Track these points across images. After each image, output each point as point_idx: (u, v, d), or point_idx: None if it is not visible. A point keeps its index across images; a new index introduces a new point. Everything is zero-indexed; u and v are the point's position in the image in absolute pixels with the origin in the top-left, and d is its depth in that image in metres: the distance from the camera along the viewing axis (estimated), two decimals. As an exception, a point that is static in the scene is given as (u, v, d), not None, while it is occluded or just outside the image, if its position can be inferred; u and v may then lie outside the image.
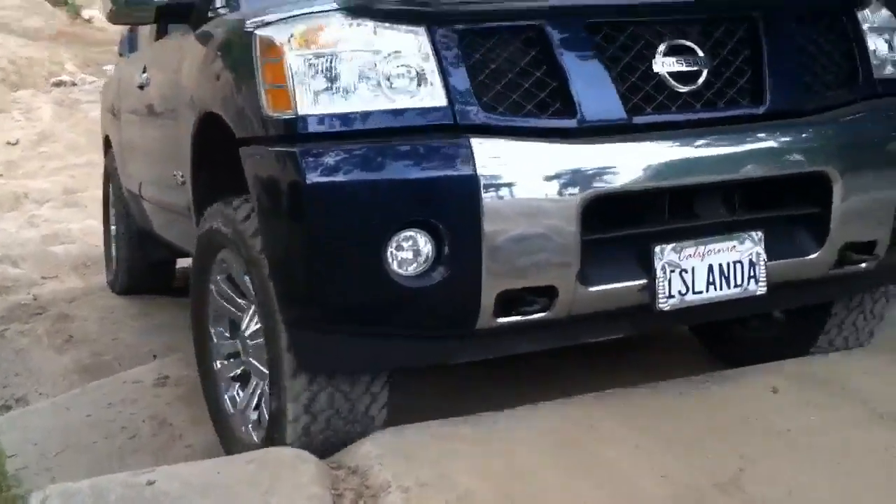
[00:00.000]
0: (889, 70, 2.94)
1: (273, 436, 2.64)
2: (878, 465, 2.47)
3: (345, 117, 2.34)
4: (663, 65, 2.54)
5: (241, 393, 2.98)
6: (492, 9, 2.50)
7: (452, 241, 2.31)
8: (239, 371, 3.00)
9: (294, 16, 2.47)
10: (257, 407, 2.85)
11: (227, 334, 3.07)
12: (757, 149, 2.59)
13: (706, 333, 3.62)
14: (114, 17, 3.51)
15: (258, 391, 2.85)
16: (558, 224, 2.36)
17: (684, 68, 2.56)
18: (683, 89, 2.56)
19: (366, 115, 2.35)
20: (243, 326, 2.89)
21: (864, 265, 2.78)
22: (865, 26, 2.92)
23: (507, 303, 2.39)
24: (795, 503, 2.28)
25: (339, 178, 2.28)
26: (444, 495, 2.26)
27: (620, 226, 2.53)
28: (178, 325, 5.23)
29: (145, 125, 4.48)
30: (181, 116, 3.41)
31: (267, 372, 2.69)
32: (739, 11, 2.69)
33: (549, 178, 2.35)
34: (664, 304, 2.51)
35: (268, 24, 2.51)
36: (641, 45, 2.54)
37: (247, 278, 2.76)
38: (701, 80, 2.57)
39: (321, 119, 2.34)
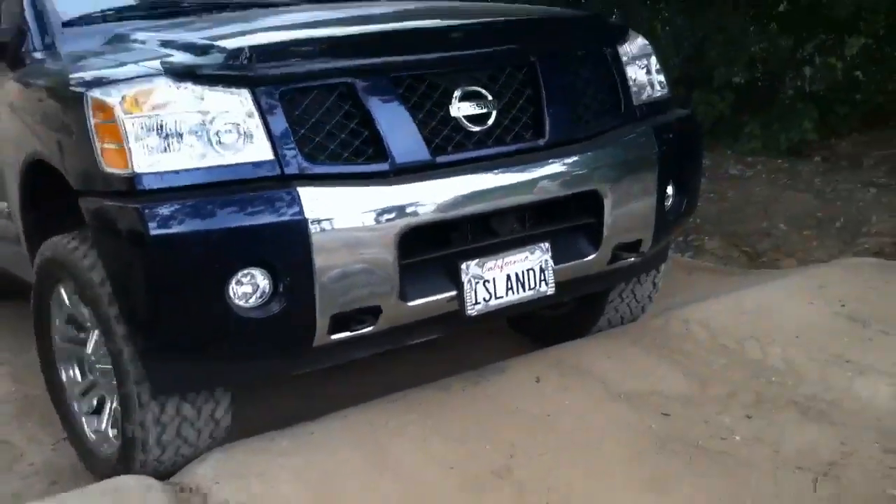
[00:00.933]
0: (646, 95, 3.48)
1: (127, 452, 2.97)
2: (617, 438, 3.09)
3: (179, 173, 2.60)
4: (459, 109, 2.94)
5: (97, 421, 3.28)
6: (305, 70, 2.77)
7: (288, 276, 2.64)
8: (95, 402, 3.29)
9: (123, 79, 2.71)
10: (115, 424, 3.14)
11: (79, 376, 3.37)
12: (541, 175, 3.03)
13: (512, 318, 4.17)
14: None
15: (113, 409, 3.15)
16: (379, 254, 2.74)
17: (477, 111, 2.97)
18: (476, 129, 2.97)
19: (199, 171, 2.62)
20: (89, 351, 3.18)
21: (631, 260, 3.34)
22: (624, 58, 3.43)
23: (339, 323, 2.76)
24: (553, 479, 2.86)
25: (181, 228, 2.53)
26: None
27: (432, 249, 2.92)
28: (-5, 333, 5.42)
29: None
30: (5, 154, 3.58)
31: (115, 389, 2.99)
32: (519, 59, 3.11)
33: (368, 216, 2.71)
34: (472, 311, 2.96)
35: (98, 84, 2.74)
36: (439, 94, 2.92)
37: (85, 311, 3.06)
38: (491, 120, 3.00)
39: (157, 176, 2.59)
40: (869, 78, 7.94)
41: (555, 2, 8.68)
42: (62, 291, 3.23)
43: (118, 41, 3.31)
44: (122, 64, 2.88)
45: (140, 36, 3.26)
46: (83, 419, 3.35)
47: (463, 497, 2.79)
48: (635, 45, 3.54)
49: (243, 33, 3.07)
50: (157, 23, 3.55)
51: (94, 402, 3.31)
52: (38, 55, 3.52)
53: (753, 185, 6.33)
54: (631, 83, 3.43)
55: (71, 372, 3.41)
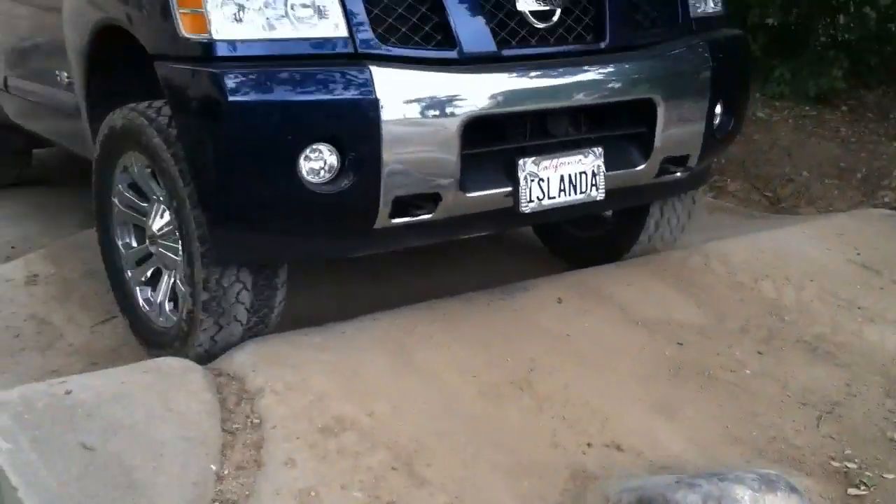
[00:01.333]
0: (701, 8, 3.51)
1: (185, 328, 3.11)
2: (632, 361, 3.25)
3: (256, 42, 2.69)
4: (525, 3, 2.99)
5: (153, 292, 3.40)
6: None
7: (357, 153, 2.72)
8: (150, 273, 3.40)
9: None
10: (171, 298, 3.28)
11: (135, 243, 3.46)
12: (599, 78, 3.10)
13: (548, 237, 4.35)
14: None
15: (170, 282, 3.27)
16: (443, 141, 2.81)
17: (542, 7, 3.02)
18: (541, 25, 3.02)
19: (276, 42, 2.70)
20: (151, 223, 3.26)
21: (678, 174, 3.42)
22: None
23: (401, 206, 2.85)
24: (569, 394, 3.02)
25: (258, 96, 2.61)
26: (306, 396, 2.88)
27: (492, 142, 2.99)
28: (31, 214, 5.60)
29: (14, 18, 4.61)
30: (71, 23, 3.61)
31: (178, 260, 3.11)
32: None
33: (435, 101, 2.78)
34: (525, 208, 3.05)
35: None
36: None
37: (152, 183, 3.16)
38: (555, 18, 3.05)
39: (234, 44, 2.67)
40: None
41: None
42: (131, 160, 3.29)
43: None
44: None
45: None
46: (137, 288, 3.46)
47: (482, 402, 2.96)
48: None
49: None
50: None
51: (149, 273, 3.41)
52: None
53: (779, 129, 6.39)
54: None
55: (127, 239, 3.50)
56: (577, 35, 3.13)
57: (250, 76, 2.63)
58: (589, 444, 2.83)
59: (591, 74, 3.09)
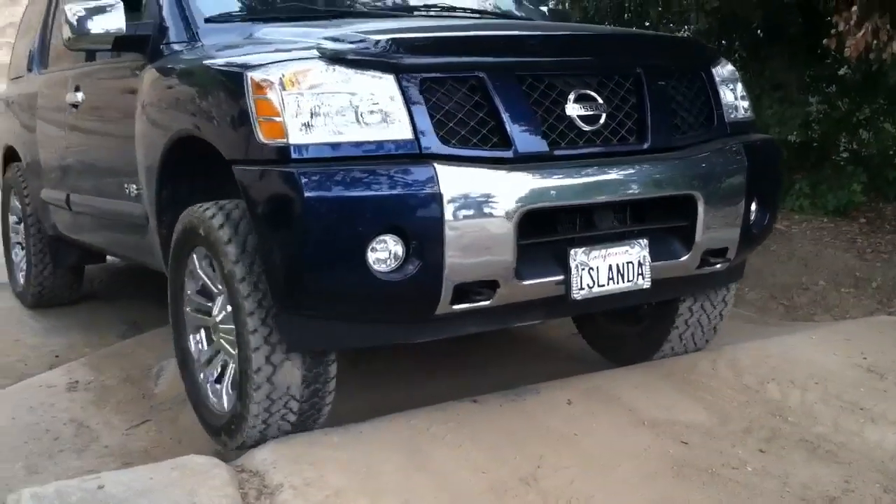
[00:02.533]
0: (734, 115, 3.80)
1: (240, 414, 3.33)
2: (637, 460, 3.38)
3: (329, 146, 2.96)
4: (573, 109, 3.27)
5: (218, 385, 3.60)
6: (442, 62, 3.17)
7: (422, 244, 2.95)
8: (218, 370, 3.61)
9: (280, 61, 3.09)
10: (234, 387, 3.46)
11: (204, 345, 3.69)
12: (643, 176, 3.35)
13: (587, 331, 4.57)
14: (72, 44, 4.00)
15: (232, 374, 3.47)
16: (501, 232, 3.04)
17: (588, 112, 3.29)
18: (588, 128, 3.29)
19: (347, 145, 2.97)
20: (215, 313, 3.50)
21: (718, 266, 3.63)
22: (717, 80, 3.76)
23: (461, 293, 3.06)
24: (574, 490, 3.15)
25: (332, 193, 2.87)
26: (323, 491, 3.05)
27: (546, 233, 3.22)
28: (75, 326, 5.88)
29: (81, 142, 4.99)
30: (145, 138, 3.95)
31: (234, 352, 3.34)
32: (626, 68, 3.45)
33: (494, 196, 3.02)
34: (577, 295, 3.25)
35: (257, 66, 3.10)
36: (556, 93, 3.25)
37: (213, 274, 3.42)
38: (601, 122, 3.32)
39: (309, 147, 2.95)
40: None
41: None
42: (194, 258, 3.55)
43: (260, 36, 3.70)
44: (276, 51, 3.25)
45: (281, 32, 3.66)
46: (207, 386, 3.66)
47: (490, 498, 3.10)
48: (726, 69, 3.88)
49: (383, 31, 3.40)
50: (292, 24, 3.88)
51: (219, 368, 3.61)
52: (177, 47, 3.93)
53: (797, 240, 6.57)
54: (723, 102, 3.75)
55: (199, 342, 3.71)
56: (621, 137, 3.38)
57: (325, 175, 2.89)
58: (591, 537, 2.95)
59: (636, 172, 3.34)
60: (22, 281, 6.34)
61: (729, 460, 3.40)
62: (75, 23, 3.85)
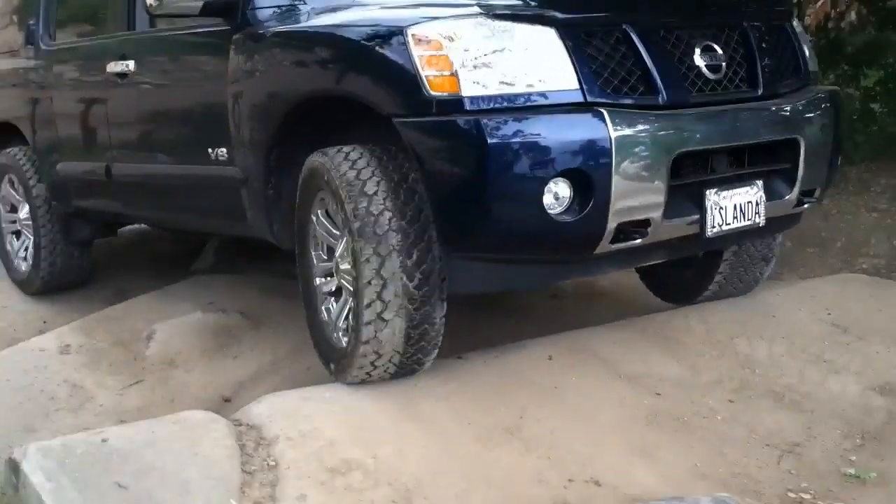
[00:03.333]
0: (811, 64, 4.03)
1: (353, 350, 3.45)
2: (613, 410, 3.57)
3: (500, 97, 3.11)
4: (700, 59, 3.49)
5: (333, 305, 3.69)
6: (594, 16, 3.38)
7: (592, 186, 3.12)
8: (333, 287, 3.68)
9: (441, 17, 3.21)
10: (346, 318, 3.57)
11: (325, 256, 3.72)
12: (760, 120, 3.62)
13: (650, 277, 4.77)
14: (158, 9, 3.93)
15: (348, 305, 3.55)
16: (656, 174, 3.24)
17: (713, 62, 3.52)
18: (713, 77, 3.51)
19: (516, 96, 3.12)
20: (337, 252, 3.58)
21: (806, 205, 3.90)
22: (798, 32, 4.02)
23: (620, 232, 3.26)
24: (555, 438, 3.34)
25: (512, 140, 3.05)
26: (317, 441, 3.21)
27: (688, 176, 3.43)
28: (60, 293, 5.98)
29: (134, 111, 4.95)
30: (255, 102, 3.91)
31: (351, 290, 3.46)
32: (737, 22, 3.68)
33: (652, 142, 3.23)
34: (710, 233, 3.49)
35: (418, 22, 3.19)
36: (685, 46, 3.47)
37: (338, 218, 3.51)
38: (722, 72, 3.54)
39: (481, 98, 3.09)
40: (886, 109, 8.35)
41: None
42: (322, 199, 3.63)
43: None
44: (430, 6, 3.37)
45: None
46: (321, 298, 3.75)
47: (476, 445, 3.28)
48: (798, 25, 4.11)
49: None
50: None
51: (334, 287, 3.69)
52: (268, 13, 3.91)
53: (765, 203, 6.76)
54: (805, 53, 4.00)
55: (321, 252, 3.75)
56: (736, 85, 3.61)
57: (505, 123, 3.07)
58: (570, 481, 3.14)
59: (755, 118, 3.62)
60: (24, 268, 6.09)
61: (700, 409, 3.60)
62: None
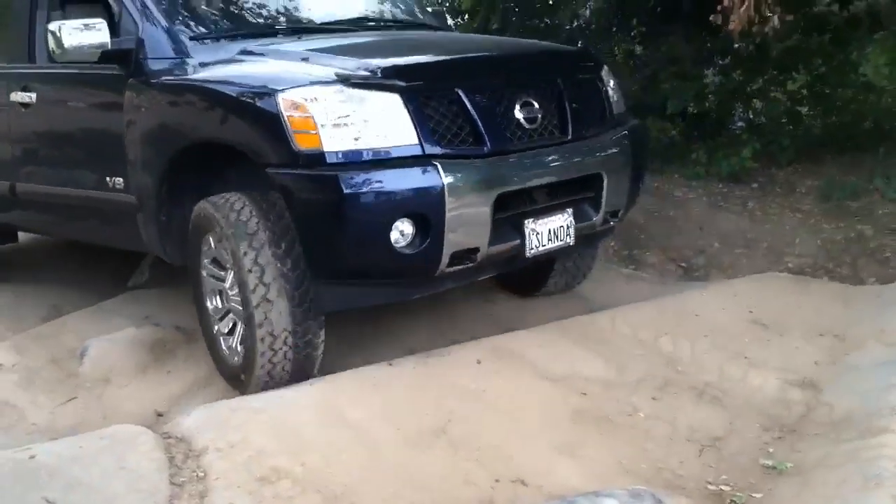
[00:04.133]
0: (616, 108, 4.64)
1: (247, 364, 3.94)
2: (539, 410, 3.64)
3: (354, 152, 3.60)
4: (519, 113, 4.01)
5: (229, 339, 4.18)
6: (431, 83, 3.85)
7: (430, 223, 3.65)
8: (230, 325, 4.17)
9: (306, 84, 3.67)
10: (242, 342, 4.02)
11: (219, 304, 4.22)
12: (569, 160, 4.16)
13: (511, 283, 5.31)
14: (61, 57, 4.29)
15: (240, 331, 4.03)
16: (483, 210, 3.78)
17: (530, 115, 4.04)
18: (529, 127, 4.03)
19: (367, 150, 3.62)
20: (227, 285, 4.07)
21: (612, 223, 4.49)
22: (606, 81, 4.63)
23: (454, 258, 3.78)
24: (482, 440, 3.39)
25: (364, 189, 3.55)
26: (246, 451, 3.24)
27: (508, 209, 3.93)
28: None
29: (35, 138, 5.35)
30: (147, 142, 4.37)
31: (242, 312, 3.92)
32: (551, 80, 4.23)
33: (476, 183, 3.76)
34: (529, 253, 4.04)
35: (287, 87, 3.66)
36: (507, 101, 3.99)
37: (226, 254, 3.96)
38: (538, 122, 4.07)
39: (339, 153, 3.58)
40: (811, 112, 8.59)
41: (530, 32, 9.33)
42: (210, 239, 4.10)
43: (251, 54, 4.19)
44: (291, 72, 3.83)
45: (263, 48, 4.21)
46: (220, 338, 4.24)
47: (405, 449, 3.33)
48: (607, 71, 4.74)
49: (379, 52, 4.25)
50: (266, 40, 4.42)
51: (230, 325, 4.17)
52: (161, 64, 4.34)
53: (693, 206, 6.92)
54: (611, 99, 4.61)
55: (214, 301, 4.25)
56: (549, 133, 4.14)
57: (356, 175, 3.56)
58: (497, 481, 3.20)
59: (564, 158, 4.16)
60: None
61: (624, 407, 3.69)
62: (62, 38, 4.20)
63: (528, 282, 5.26)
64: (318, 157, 3.57)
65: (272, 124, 3.65)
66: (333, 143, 3.57)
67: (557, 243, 4.15)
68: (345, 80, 3.68)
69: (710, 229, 6.51)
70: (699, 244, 6.36)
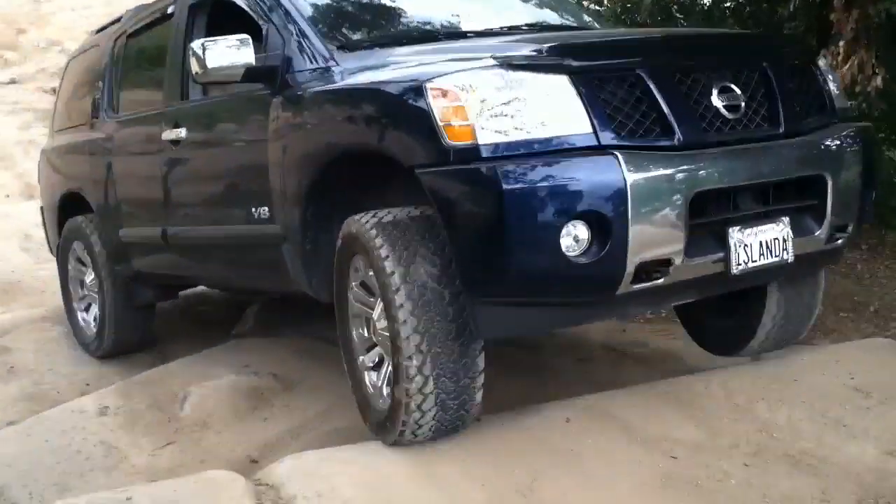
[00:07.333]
0: (839, 102, 4.09)
1: (394, 413, 3.57)
2: (629, 473, 3.61)
3: (514, 144, 3.19)
4: (718, 100, 3.54)
5: (375, 375, 3.85)
6: (607, 62, 3.44)
7: (609, 226, 3.16)
8: (376, 359, 3.85)
9: (459, 70, 3.31)
10: (389, 383, 3.67)
11: (365, 333, 3.90)
12: (783, 158, 3.64)
13: (690, 324, 4.88)
14: (203, 77, 4.14)
15: (387, 370, 3.67)
16: (675, 212, 3.27)
17: (730, 102, 3.56)
18: (731, 117, 3.55)
19: (531, 142, 3.21)
20: (374, 317, 3.74)
21: (839, 242, 3.90)
22: (824, 71, 4.10)
23: (640, 272, 3.27)
24: (567, 501, 3.38)
25: (528, 185, 3.12)
26: (334, 501, 3.30)
27: (708, 214, 3.46)
28: (106, 357, 6.16)
29: (184, 176, 5.16)
30: (292, 160, 4.08)
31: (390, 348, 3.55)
32: (756, 61, 3.74)
33: (667, 180, 3.27)
34: (735, 270, 3.49)
35: (436, 76, 3.32)
36: (702, 87, 3.52)
37: (373, 279, 3.62)
38: (740, 111, 3.59)
39: (496, 146, 3.18)
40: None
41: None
42: (359, 261, 3.77)
43: (395, 58, 3.88)
44: (450, 61, 3.48)
45: (407, 54, 3.89)
46: (365, 373, 3.89)
47: (490, 508, 3.34)
48: (824, 63, 4.21)
49: (538, 41, 3.71)
50: (409, 47, 4.09)
51: (376, 359, 3.85)
52: (308, 75, 4.11)
53: (799, 267, 6.77)
54: (831, 91, 4.06)
55: (360, 329, 3.92)
56: (757, 124, 3.65)
57: (519, 170, 3.14)
58: (582, 543, 3.18)
59: (777, 155, 3.63)
60: (90, 332, 6.39)
61: (714, 473, 3.62)
62: (204, 57, 4.04)
63: (729, 331, 4.67)
64: (472, 151, 3.18)
65: (419, 118, 3.30)
66: (490, 134, 3.18)
67: (772, 259, 3.57)
68: (504, 64, 3.29)
69: (814, 292, 6.35)
70: (803, 307, 6.20)
